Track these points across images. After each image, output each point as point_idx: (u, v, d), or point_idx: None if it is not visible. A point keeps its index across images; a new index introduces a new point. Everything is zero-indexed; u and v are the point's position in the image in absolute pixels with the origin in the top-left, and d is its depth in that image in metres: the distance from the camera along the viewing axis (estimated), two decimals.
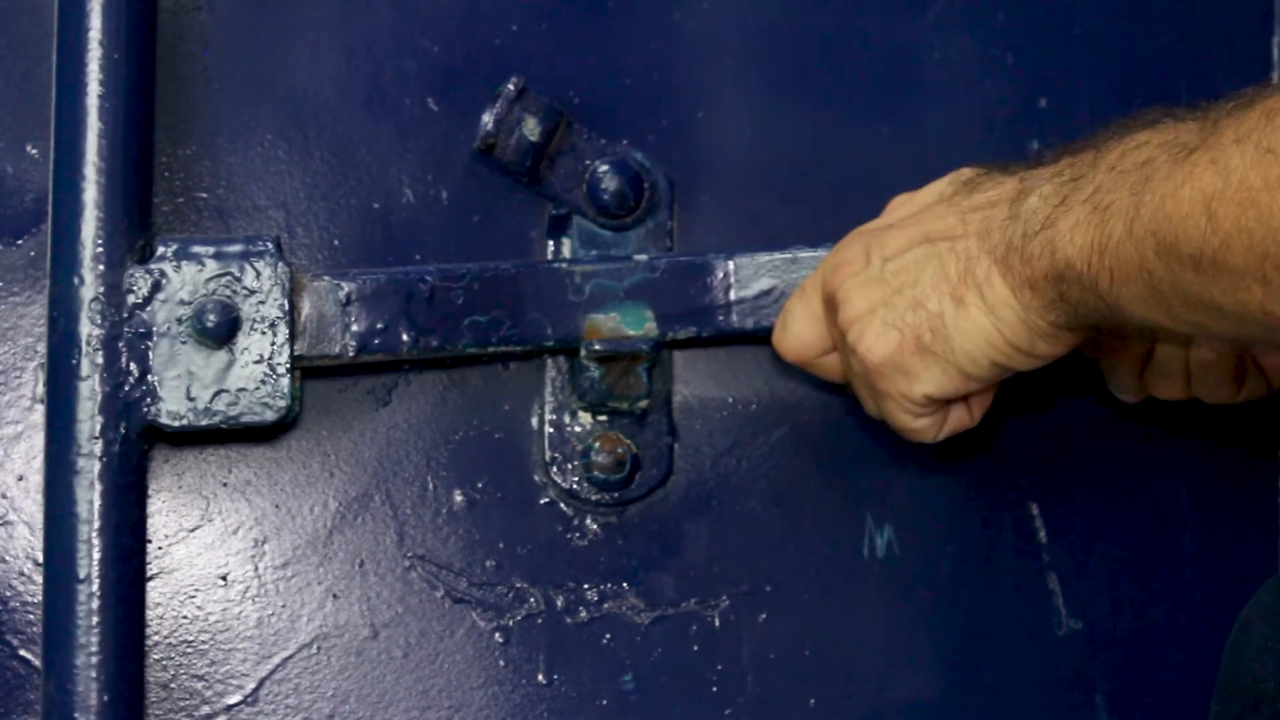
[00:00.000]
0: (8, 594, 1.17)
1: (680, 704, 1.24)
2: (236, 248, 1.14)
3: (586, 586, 1.24)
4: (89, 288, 1.11)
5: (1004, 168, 1.13)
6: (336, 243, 1.22)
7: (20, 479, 1.18)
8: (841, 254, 1.16)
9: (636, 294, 1.22)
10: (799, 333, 1.19)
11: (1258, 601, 1.06)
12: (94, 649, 1.10)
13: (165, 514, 1.19)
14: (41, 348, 1.15)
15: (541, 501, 1.24)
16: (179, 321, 1.13)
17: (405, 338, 1.17)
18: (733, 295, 1.23)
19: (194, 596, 1.19)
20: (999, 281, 1.07)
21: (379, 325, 1.17)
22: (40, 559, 1.14)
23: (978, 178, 1.14)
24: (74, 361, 1.11)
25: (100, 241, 1.11)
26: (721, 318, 1.23)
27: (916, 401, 1.13)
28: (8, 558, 1.18)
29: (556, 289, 1.20)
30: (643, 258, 1.22)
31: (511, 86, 1.20)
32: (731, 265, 1.22)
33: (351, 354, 1.17)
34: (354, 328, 1.17)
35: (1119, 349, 1.21)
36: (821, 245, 1.22)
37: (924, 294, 1.10)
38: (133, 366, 1.12)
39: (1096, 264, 1.00)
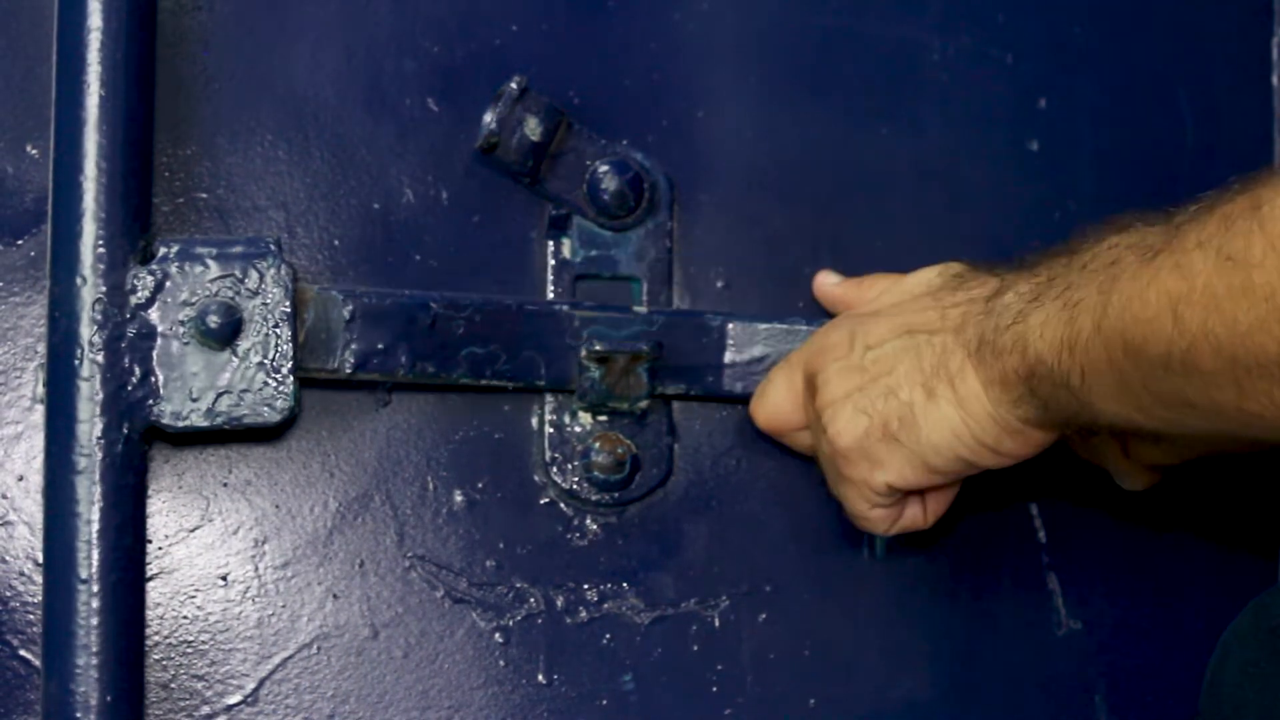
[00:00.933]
0: (8, 594, 1.17)
1: (680, 704, 1.24)
2: (239, 249, 1.15)
3: (586, 586, 1.24)
4: (91, 288, 1.11)
5: (991, 267, 1.14)
6: (336, 243, 1.22)
7: (20, 479, 1.18)
8: (827, 337, 1.17)
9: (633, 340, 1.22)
10: (777, 404, 1.21)
11: (1236, 628, 1.06)
12: (94, 649, 1.10)
13: (165, 514, 1.19)
14: (42, 348, 1.15)
15: (541, 501, 1.24)
16: (182, 322, 1.13)
17: (403, 360, 1.18)
18: (726, 358, 1.24)
19: (194, 596, 1.19)
20: (971, 375, 1.09)
21: (379, 346, 1.17)
22: (40, 559, 1.13)
23: (965, 273, 1.16)
24: (75, 362, 1.11)
25: (102, 242, 1.11)
26: (712, 379, 1.24)
27: (877, 489, 1.14)
28: (8, 558, 1.17)
29: (555, 331, 1.21)
30: (642, 309, 1.23)
31: (514, 86, 1.21)
32: (730, 328, 1.24)
33: (348, 370, 1.17)
34: (354, 345, 1.17)
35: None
36: (817, 320, 1.24)
37: (898, 383, 1.12)
38: (135, 367, 1.12)
39: (1067, 360, 1.01)
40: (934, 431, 1.11)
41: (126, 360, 1.12)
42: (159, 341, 1.13)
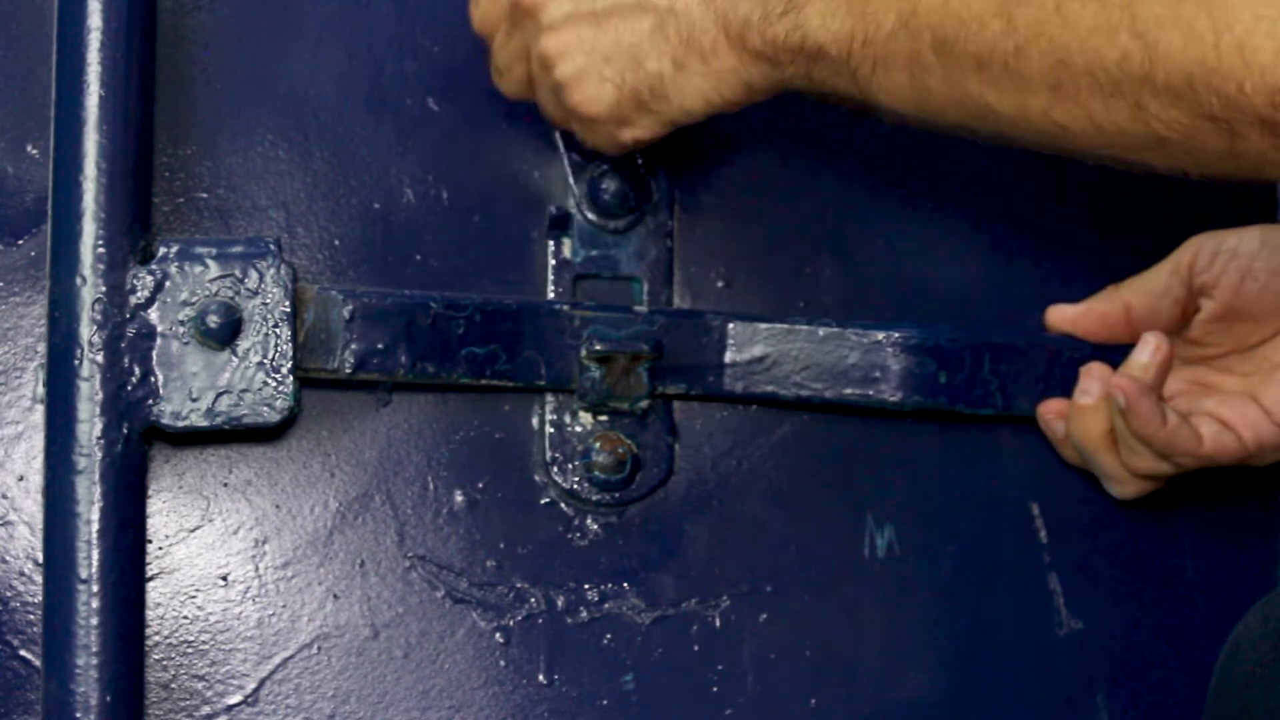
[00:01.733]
0: (8, 594, 1.17)
1: (681, 704, 1.24)
2: (239, 249, 1.15)
3: (587, 586, 1.24)
4: (91, 288, 1.11)
5: None
6: (337, 243, 1.22)
7: (21, 479, 1.18)
8: None
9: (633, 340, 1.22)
10: (485, 10, 1.17)
11: (1245, 627, 1.06)
12: (95, 649, 1.10)
13: (166, 514, 1.19)
14: (42, 348, 1.15)
15: (542, 501, 1.24)
16: (181, 322, 1.13)
17: (402, 360, 1.18)
18: (727, 358, 1.24)
19: (194, 596, 1.19)
20: (726, 53, 1.08)
21: (379, 345, 1.18)
22: (41, 559, 1.13)
23: None
24: (75, 362, 1.11)
25: (102, 242, 1.11)
26: (712, 378, 1.23)
27: (623, 145, 1.15)
28: (8, 558, 1.17)
29: (555, 331, 1.21)
30: (643, 309, 1.23)
31: None
32: (730, 328, 1.23)
33: (348, 370, 1.17)
34: (354, 345, 1.17)
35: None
36: (817, 320, 1.24)
37: (644, 53, 1.10)
38: (135, 367, 1.12)
39: (859, 52, 1.02)
40: (686, 99, 1.10)
41: (126, 360, 1.12)
42: (159, 341, 1.13)
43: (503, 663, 1.22)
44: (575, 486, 1.23)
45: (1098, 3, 0.91)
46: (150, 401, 1.13)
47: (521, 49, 1.15)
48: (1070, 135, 0.96)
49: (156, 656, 1.18)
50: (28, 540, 1.17)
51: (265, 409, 1.14)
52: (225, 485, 1.20)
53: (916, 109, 1.02)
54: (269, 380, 1.14)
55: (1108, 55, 0.91)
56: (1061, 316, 1.26)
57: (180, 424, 1.13)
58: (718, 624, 1.25)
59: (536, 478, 1.24)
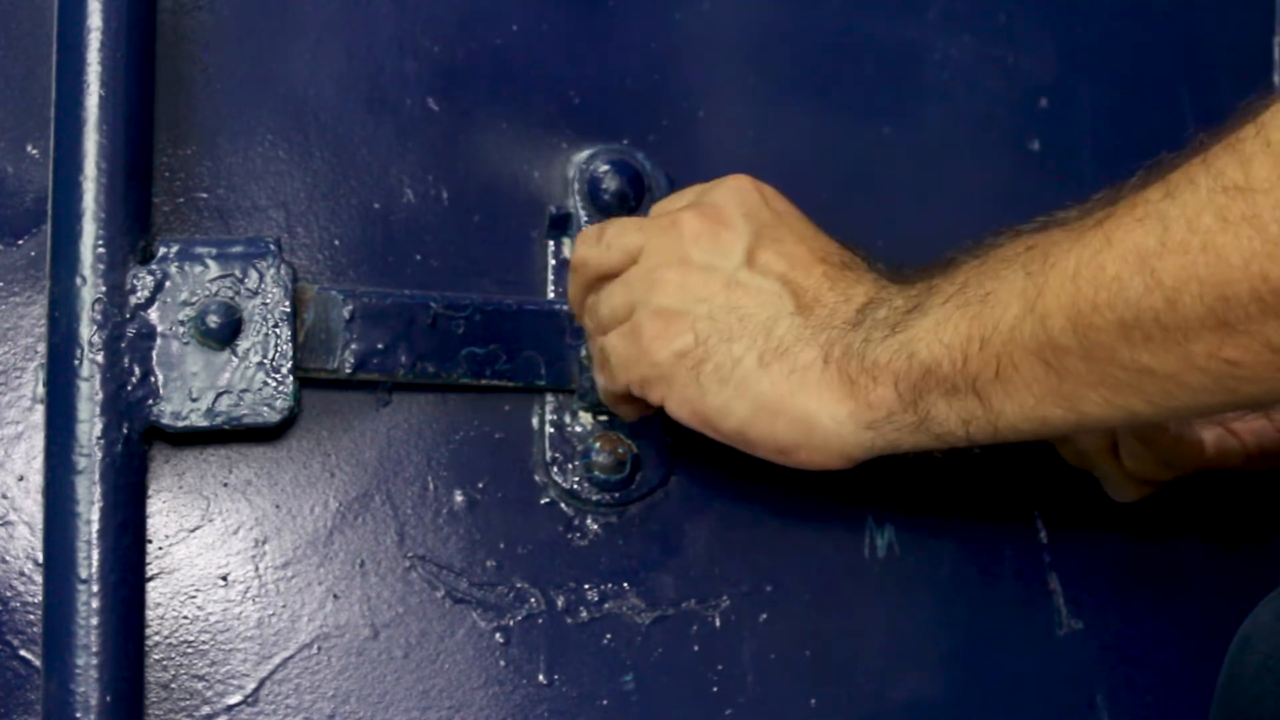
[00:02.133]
0: (8, 594, 1.17)
1: (681, 704, 1.24)
2: (239, 249, 1.15)
3: (587, 586, 1.24)
4: (91, 288, 1.11)
5: (871, 263, 1.08)
6: (337, 243, 1.22)
7: (21, 479, 1.18)
8: (735, 199, 1.10)
9: None
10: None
11: (1255, 619, 1.06)
12: (95, 649, 1.10)
13: (166, 514, 1.19)
14: (42, 348, 1.15)
15: (542, 501, 1.24)
16: (181, 322, 1.13)
17: (403, 360, 1.18)
18: None
19: (194, 596, 1.19)
20: (818, 373, 1.03)
21: (379, 345, 1.18)
22: (40, 559, 1.13)
23: (852, 262, 1.08)
24: (75, 362, 1.11)
25: (102, 242, 1.11)
26: None
27: (640, 406, 1.12)
28: (8, 558, 1.17)
29: (555, 331, 1.21)
30: None
31: None
32: None
33: (348, 370, 1.17)
34: (354, 345, 1.17)
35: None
36: None
37: (741, 331, 1.05)
38: (135, 367, 1.12)
39: (976, 358, 0.96)
40: (738, 403, 1.05)
41: (126, 360, 1.12)
42: (159, 341, 1.13)
43: (503, 663, 1.22)
44: (575, 486, 1.23)
45: (1249, 225, 0.85)
46: (150, 401, 1.13)
47: (635, 272, 1.10)
48: (1245, 369, 0.89)
49: (156, 656, 1.18)
50: (28, 540, 1.17)
51: (265, 409, 1.15)
52: (225, 485, 1.20)
53: (1055, 405, 0.94)
54: (269, 380, 1.14)
55: (1274, 274, 0.85)
56: None
57: (180, 424, 1.13)
58: (718, 624, 1.25)
59: (536, 478, 1.24)
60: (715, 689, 1.25)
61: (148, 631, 1.16)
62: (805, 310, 1.05)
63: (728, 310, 1.06)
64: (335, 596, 1.20)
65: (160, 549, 1.19)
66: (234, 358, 1.14)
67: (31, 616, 1.17)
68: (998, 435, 0.99)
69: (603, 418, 1.24)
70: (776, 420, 1.05)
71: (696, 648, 1.25)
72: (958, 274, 1.00)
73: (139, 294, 1.13)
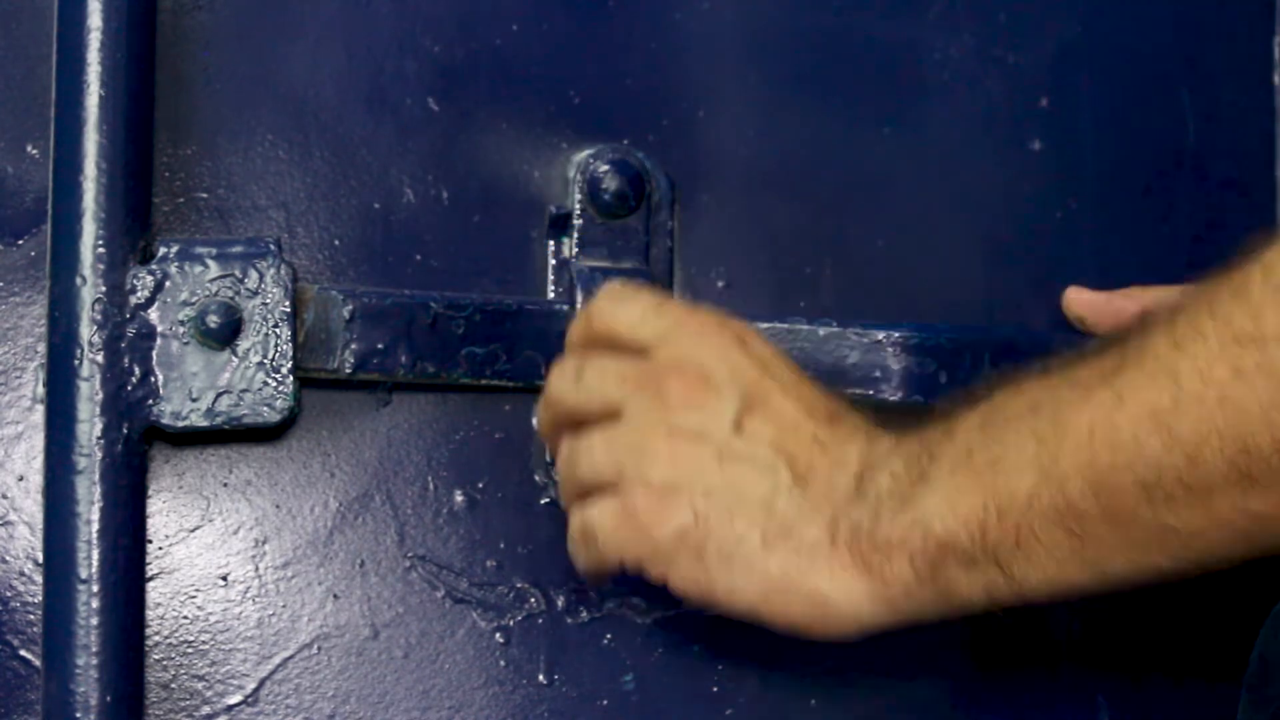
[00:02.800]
0: (8, 594, 1.17)
1: (681, 704, 1.24)
2: (239, 249, 1.15)
3: (587, 586, 1.24)
4: (91, 288, 1.11)
5: (858, 418, 1.04)
6: (336, 243, 1.22)
7: (20, 479, 1.18)
8: (731, 353, 1.06)
9: None
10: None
11: None
12: (95, 649, 1.10)
13: (165, 514, 1.19)
14: (42, 348, 1.15)
15: (542, 501, 1.24)
16: (181, 322, 1.13)
17: (403, 360, 1.18)
18: None
19: (194, 596, 1.19)
20: (825, 553, 1.00)
21: (379, 345, 1.18)
22: (40, 559, 1.13)
23: (841, 414, 1.05)
24: (75, 362, 1.11)
25: (102, 242, 1.11)
26: None
27: (632, 567, 1.07)
28: (8, 558, 1.17)
29: (555, 331, 1.21)
30: None
31: None
32: None
33: (348, 370, 1.17)
34: (354, 345, 1.17)
35: None
36: (817, 320, 1.23)
37: (741, 507, 1.02)
38: (135, 367, 1.12)
39: (995, 529, 0.94)
40: (747, 583, 1.03)
41: (126, 360, 1.12)
42: (159, 341, 1.13)
43: (503, 663, 1.22)
44: None
45: (1264, 375, 0.84)
46: (150, 401, 1.13)
47: (618, 435, 1.06)
48: (1270, 520, 0.88)
49: (156, 656, 1.18)
50: (28, 540, 1.17)
51: (265, 409, 1.14)
52: (225, 485, 1.20)
53: (1078, 570, 0.93)
54: (269, 380, 1.14)
55: None
56: (1080, 299, 1.24)
57: (180, 424, 1.13)
58: (717, 624, 1.25)
59: (536, 478, 1.24)
60: (715, 689, 1.25)
61: (148, 631, 1.16)
62: (802, 481, 1.02)
63: (724, 486, 1.03)
64: (335, 596, 1.20)
65: (160, 549, 1.19)
66: (234, 358, 1.14)
67: (31, 616, 1.17)
68: (1023, 599, 0.97)
69: None
70: (790, 600, 1.02)
71: (696, 648, 1.25)
72: (957, 436, 0.97)
73: (139, 294, 1.13)
